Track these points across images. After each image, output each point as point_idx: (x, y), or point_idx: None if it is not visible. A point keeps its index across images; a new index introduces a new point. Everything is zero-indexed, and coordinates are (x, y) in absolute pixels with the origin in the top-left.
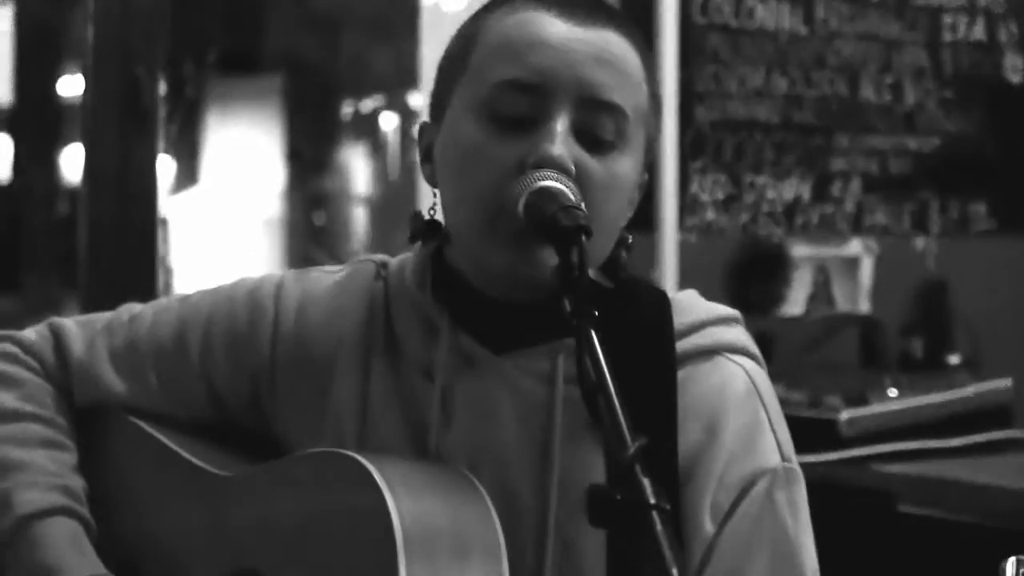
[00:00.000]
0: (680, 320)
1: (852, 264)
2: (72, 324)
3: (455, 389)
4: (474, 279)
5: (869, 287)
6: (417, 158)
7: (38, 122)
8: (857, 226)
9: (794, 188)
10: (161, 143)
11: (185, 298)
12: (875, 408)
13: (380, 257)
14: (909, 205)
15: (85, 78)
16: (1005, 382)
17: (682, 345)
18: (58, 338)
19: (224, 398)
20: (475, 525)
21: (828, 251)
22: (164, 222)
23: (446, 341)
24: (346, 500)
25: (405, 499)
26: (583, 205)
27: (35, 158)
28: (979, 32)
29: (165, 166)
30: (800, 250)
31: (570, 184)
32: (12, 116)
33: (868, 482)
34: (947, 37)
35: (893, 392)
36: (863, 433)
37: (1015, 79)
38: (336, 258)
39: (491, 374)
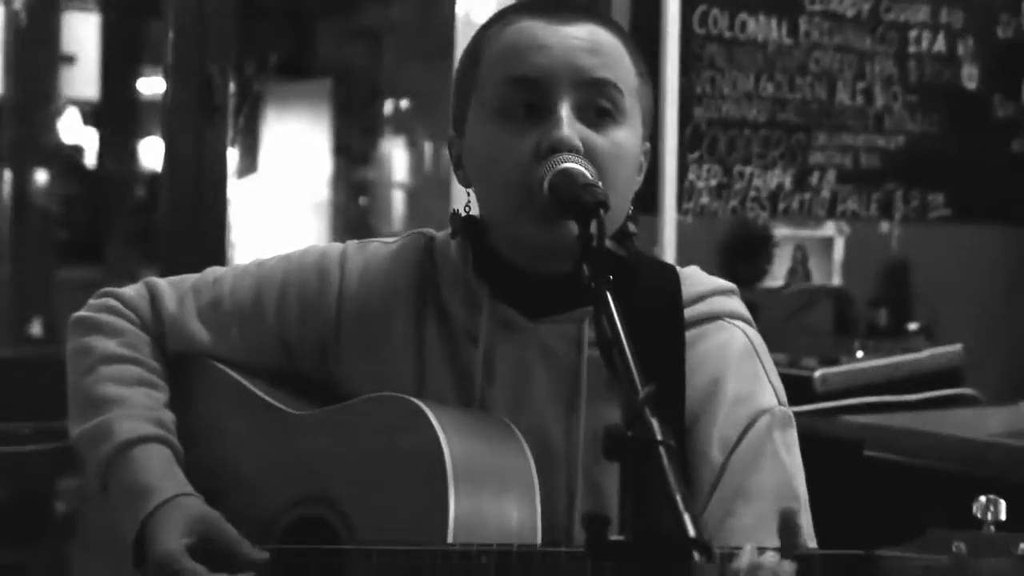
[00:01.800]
0: (687, 290)
1: (827, 244)
2: (165, 283)
3: (495, 351)
4: (510, 256)
5: (841, 264)
6: (451, 164)
7: (120, 117)
8: (831, 211)
9: (777, 178)
10: (229, 135)
11: (262, 263)
12: (845, 367)
13: (429, 231)
14: (877, 194)
15: (165, 77)
16: (956, 347)
17: (689, 312)
18: (153, 295)
19: (295, 350)
20: (514, 465)
21: (806, 232)
22: (228, 204)
23: (487, 310)
24: (406, 437)
25: (455, 439)
26: (600, 182)
27: (117, 148)
28: (941, 45)
29: (231, 156)
30: (782, 231)
31: (586, 163)
32: (98, 111)
33: (838, 431)
34: (913, 49)
35: (860, 354)
36: (834, 389)
37: (971, 86)
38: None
39: (526, 338)
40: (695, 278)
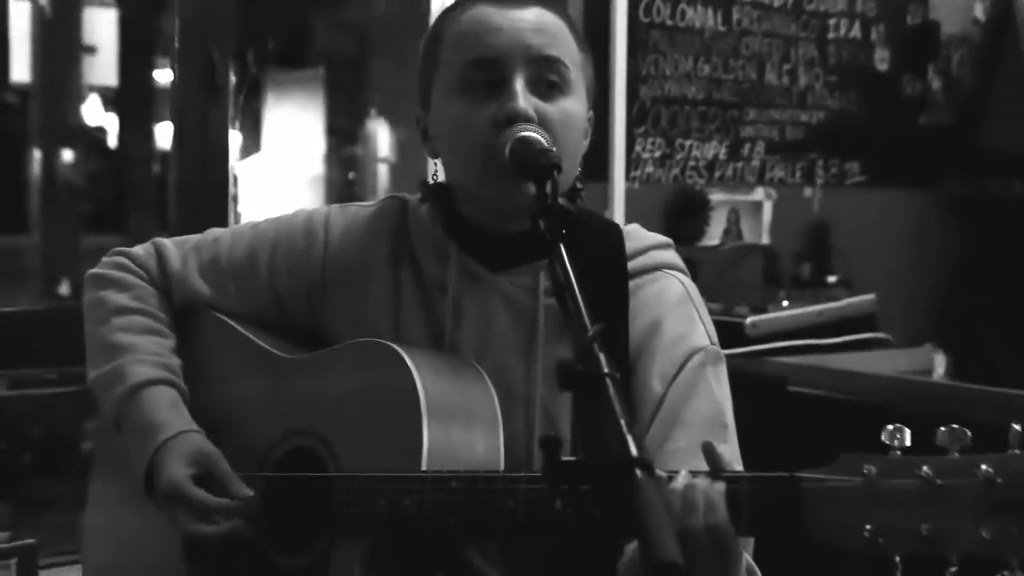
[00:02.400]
0: (630, 245)
1: (756, 207)
2: (170, 243)
3: (462, 299)
4: (473, 216)
5: (769, 225)
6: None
7: (137, 101)
8: (761, 178)
9: (713, 149)
10: (236, 121)
11: (255, 225)
12: (772, 315)
13: (403, 196)
14: (800, 163)
15: (172, 62)
16: (870, 297)
17: (632, 264)
18: (160, 253)
19: (285, 301)
20: (479, 401)
21: (738, 197)
22: (235, 179)
23: (455, 263)
24: (384, 377)
25: (428, 378)
26: (554, 148)
27: (134, 130)
28: (856, 31)
29: (236, 138)
30: (717, 196)
31: (541, 131)
32: (117, 97)
33: (766, 369)
34: (832, 35)
35: (786, 303)
36: (763, 333)
37: (882, 67)
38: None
39: (489, 288)
40: (636, 234)
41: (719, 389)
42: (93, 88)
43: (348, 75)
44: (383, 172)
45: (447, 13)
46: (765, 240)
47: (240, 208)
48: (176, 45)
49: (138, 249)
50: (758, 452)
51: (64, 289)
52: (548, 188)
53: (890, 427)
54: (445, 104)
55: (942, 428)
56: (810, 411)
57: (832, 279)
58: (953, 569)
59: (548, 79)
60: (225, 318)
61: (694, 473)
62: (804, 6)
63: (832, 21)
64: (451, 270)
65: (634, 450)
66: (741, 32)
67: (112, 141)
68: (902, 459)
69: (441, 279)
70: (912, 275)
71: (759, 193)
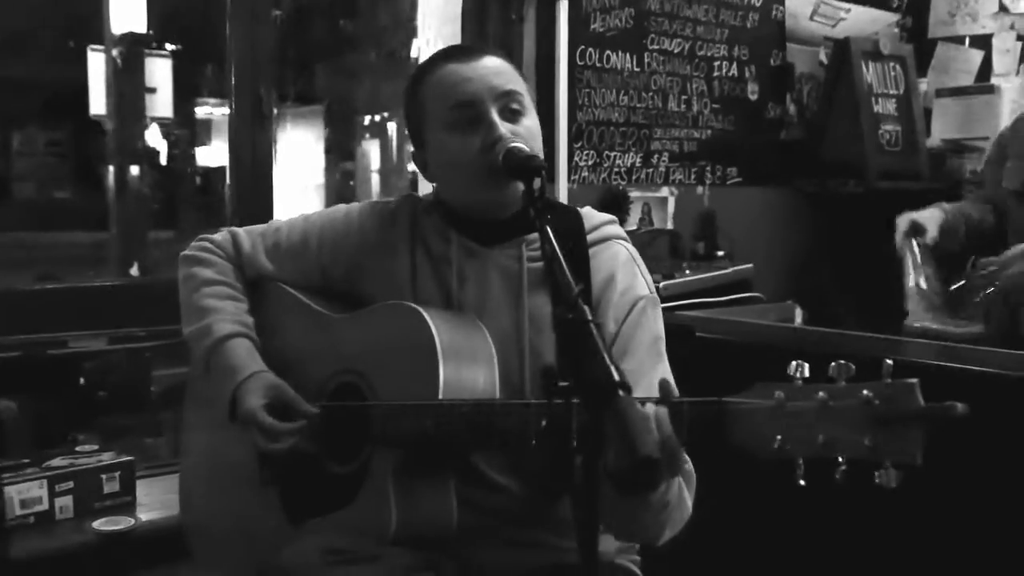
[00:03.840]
0: (587, 223)
1: (663, 201)
2: (241, 231)
3: (464, 268)
4: (467, 212)
5: (672, 214)
6: (418, 170)
7: (185, 130)
8: (666, 180)
9: (631, 159)
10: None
11: (307, 217)
12: (678, 280)
13: (416, 195)
14: (694, 168)
15: (229, 98)
16: (749, 266)
17: (590, 236)
18: (235, 239)
19: (329, 273)
20: (479, 345)
21: (650, 194)
22: (273, 184)
23: (456, 243)
24: (409, 328)
25: (442, 329)
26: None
27: (182, 151)
28: (735, 71)
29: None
30: (635, 193)
31: (522, 143)
32: (170, 126)
33: (676, 320)
34: (717, 74)
35: (688, 272)
36: (672, 294)
37: (753, 97)
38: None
39: (484, 259)
40: (590, 214)
41: (656, 326)
42: (154, 119)
43: (345, 106)
44: (375, 181)
45: (423, 73)
46: (670, 226)
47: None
48: (232, 82)
49: (217, 236)
50: (677, 383)
51: (134, 271)
52: (536, 183)
53: (794, 363)
54: (439, 142)
55: (832, 363)
56: (711, 351)
57: (720, 253)
58: (843, 468)
59: (511, 108)
60: (285, 287)
61: (642, 400)
62: (696, 52)
63: (717, 63)
64: (453, 247)
65: (616, 376)
66: (651, 72)
67: (164, 160)
68: (804, 386)
69: (446, 254)
70: (777, 250)
71: (665, 191)
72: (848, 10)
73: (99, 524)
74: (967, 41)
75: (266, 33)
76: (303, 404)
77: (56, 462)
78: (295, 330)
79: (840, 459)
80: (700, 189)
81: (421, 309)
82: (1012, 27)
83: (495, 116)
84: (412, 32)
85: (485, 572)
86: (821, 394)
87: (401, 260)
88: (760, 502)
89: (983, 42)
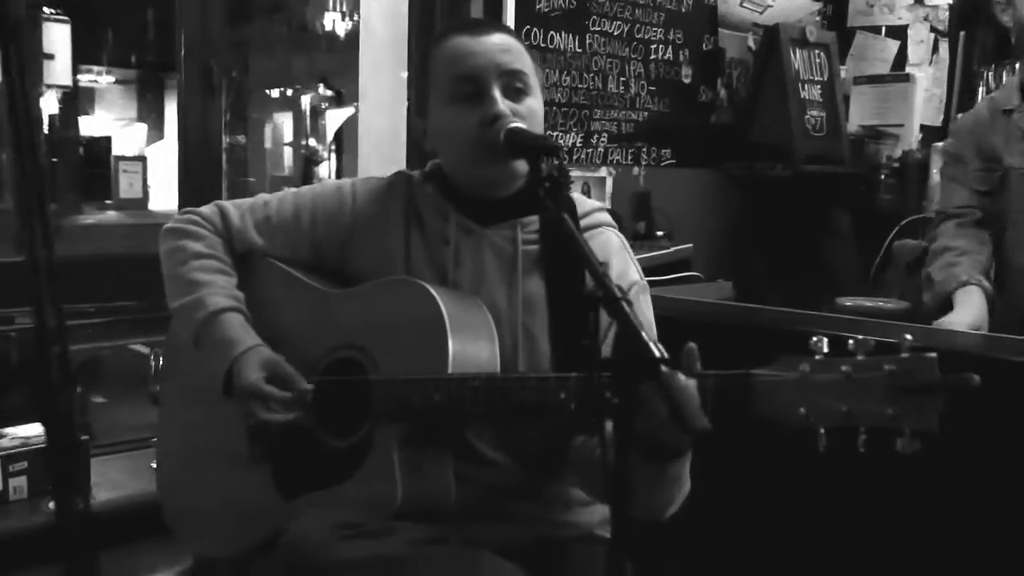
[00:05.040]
0: (580, 209)
1: (602, 181)
2: (229, 204)
3: (460, 247)
4: (466, 187)
5: (611, 194)
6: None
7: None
8: (605, 160)
9: (572, 139)
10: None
11: (296, 192)
12: None
13: (408, 171)
14: (631, 150)
15: (179, 69)
16: (688, 246)
17: (583, 222)
18: (222, 212)
19: (322, 249)
20: (481, 321)
21: (589, 174)
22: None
23: (454, 220)
24: (415, 304)
25: (448, 305)
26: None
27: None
28: (670, 54)
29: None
30: (575, 173)
31: (522, 123)
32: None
33: None
34: (653, 57)
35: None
36: None
37: (687, 81)
38: None
39: (480, 238)
40: (581, 200)
41: (648, 312)
42: (51, 86)
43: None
44: (287, 153)
45: (434, 43)
46: (608, 205)
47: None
48: (182, 53)
49: (204, 209)
50: None
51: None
52: (546, 164)
53: (815, 338)
54: (440, 113)
55: (851, 340)
56: (656, 326)
57: (660, 234)
58: (863, 437)
59: (515, 87)
60: (276, 261)
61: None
62: (635, 35)
63: (654, 46)
64: (451, 225)
65: (657, 352)
66: (591, 53)
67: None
68: (827, 360)
69: (443, 232)
70: (708, 231)
71: (603, 171)
72: None
73: (55, 504)
74: (883, 31)
75: (217, 1)
76: (298, 379)
77: (7, 442)
78: (286, 305)
79: (862, 428)
80: (636, 170)
81: (428, 286)
82: (926, 19)
83: (497, 93)
84: (324, 5)
85: (487, 545)
86: (845, 367)
87: (395, 237)
88: (745, 482)
89: (899, 32)
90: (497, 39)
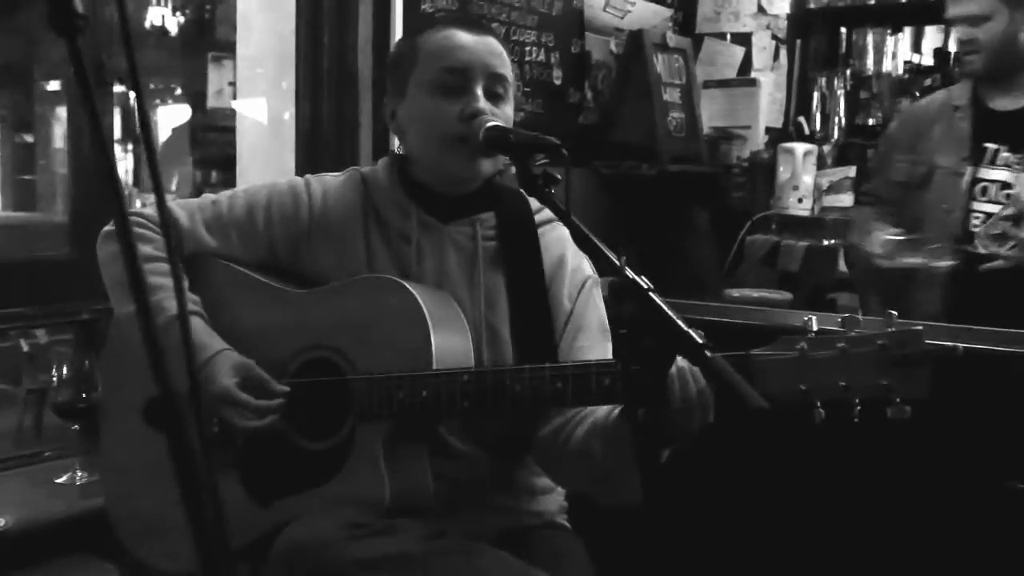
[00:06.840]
0: (533, 204)
1: None
2: (175, 204)
3: (422, 244)
4: (429, 182)
5: None
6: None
7: None
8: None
9: None
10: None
11: (247, 190)
12: None
13: (360, 168)
14: None
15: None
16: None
17: (537, 217)
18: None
19: (278, 248)
20: (454, 316)
21: None
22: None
23: (415, 217)
24: (393, 300)
25: (425, 300)
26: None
27: None
28: (542, 56)
29: None
30: None
31: (501, 122)
32: None
33: None
34: (527, 59)
35: None
36: None
37: (558, 82)
38: None
39: (441, 235)
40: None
41: (601, 305)
42: None
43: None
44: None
45: (429, 26)
46: None
47: None
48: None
49: (148, 210)
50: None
51: None
52: (532, 164)
53: (804, 318)
54: (420, 98)
55: (838, 318)
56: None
57: None
58: (858, 408)
59: (497, 91)
60: (228, 263)
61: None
62: (511, 36)
63: (528, 48)
64: (413, 222)
65: (697, 338)
66: None
67: None
68: (822, 337)
69: (405, 230)
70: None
71: None
72: (634, 3)
73: None
74: (728, 37)
75: None
76: (271, 383)
77: None
78: (244, 307)
79: (856, 400)
80: (513, 169)
81: (403, 281)
82: (768, 27)
83: (479, 90)
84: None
85: (473, 536)
86: (840, 344)
87: (354, 234)
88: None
89: (744, 39)
90: (491, 42)
